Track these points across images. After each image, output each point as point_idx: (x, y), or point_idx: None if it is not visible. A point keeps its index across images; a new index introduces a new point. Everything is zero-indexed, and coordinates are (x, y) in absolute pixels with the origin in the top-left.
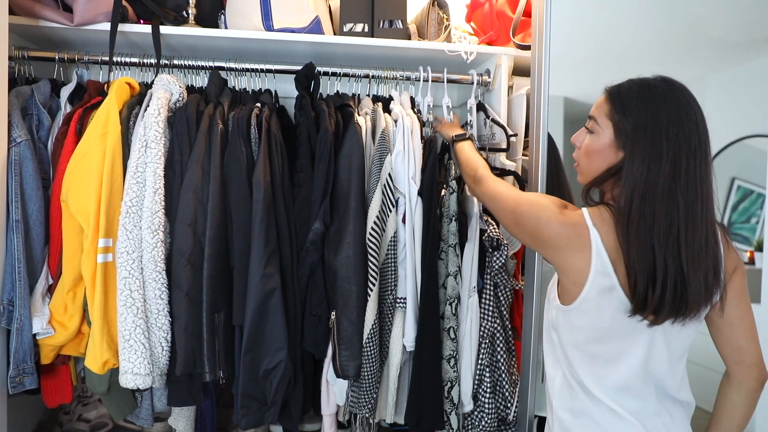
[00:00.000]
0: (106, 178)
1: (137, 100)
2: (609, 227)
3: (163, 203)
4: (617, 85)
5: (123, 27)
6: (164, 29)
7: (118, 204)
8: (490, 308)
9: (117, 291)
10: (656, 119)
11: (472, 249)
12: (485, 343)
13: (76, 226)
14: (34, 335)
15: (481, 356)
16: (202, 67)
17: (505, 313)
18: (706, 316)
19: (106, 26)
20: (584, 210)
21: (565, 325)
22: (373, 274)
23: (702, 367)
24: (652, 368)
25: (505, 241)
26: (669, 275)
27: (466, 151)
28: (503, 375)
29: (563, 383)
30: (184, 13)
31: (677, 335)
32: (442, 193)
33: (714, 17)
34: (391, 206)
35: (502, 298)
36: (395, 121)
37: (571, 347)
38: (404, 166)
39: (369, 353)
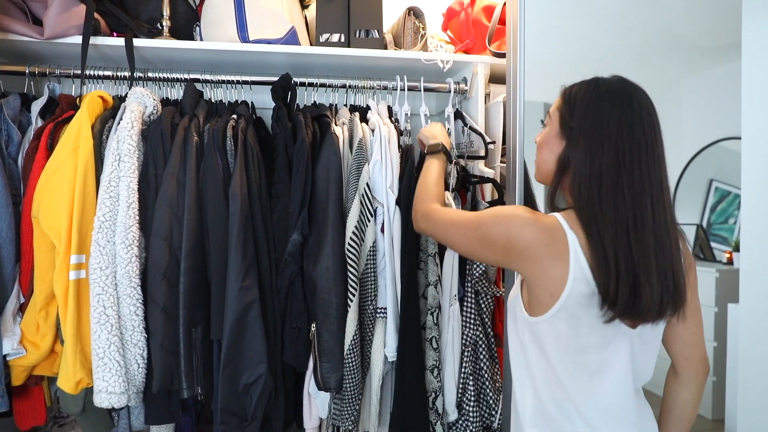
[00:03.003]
0: (78, 193)
1: (110, 113)
2: (582, 230)
3: (137, 217)
4: (573, 84)
5: (95, 40)
6: (138, 42)
7: (91, 219)
8: (472, 316)
9: (90, 308)
10: (598, 109)
11: (452, 257)
12: (468, 351)
13: (47, 242)
14: (5, 356)
15: (464, 364)
16: (177, 80)
17: (486, 320)
18: None
19: (78, 39)
20: (557, 214)
21: (543, 336)
22: (353, 284)
23: None
24: (635, 376)
25: None
26: (621, 268)
27: (427, 174)
28: (487, 383)
29: (535, 407)
30: (159, 25)
31: (653, 343)
32: None
33: (687, 23)
34: (369, 216)
35: (483, 305)
36: (372, 131)
37: (555, 357)
38: (382, 175)
39: (350, 365)
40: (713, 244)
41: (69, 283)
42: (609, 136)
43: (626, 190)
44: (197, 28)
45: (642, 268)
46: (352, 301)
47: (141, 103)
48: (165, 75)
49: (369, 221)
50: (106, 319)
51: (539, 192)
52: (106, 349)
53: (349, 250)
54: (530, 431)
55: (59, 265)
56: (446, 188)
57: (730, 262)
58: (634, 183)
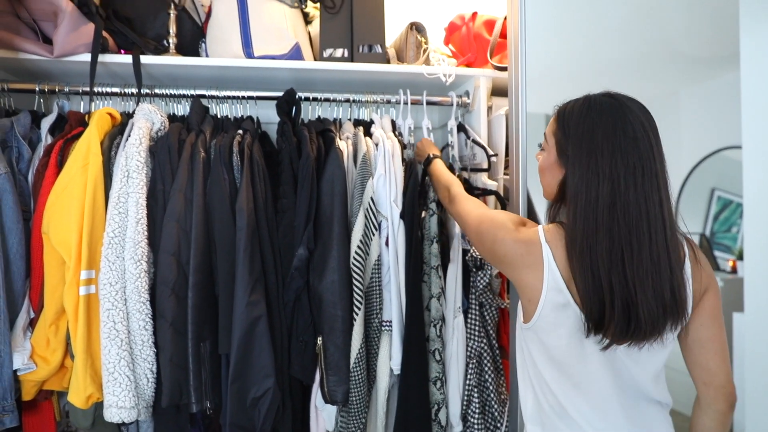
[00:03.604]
0: (88, 209)
1: (119, 130)
2: (562, 244)
3: (146, 233)
4: (565, 103)
5: (103, 57)
6: (145, 59)
7: (101, 235)
8: (477, 328)
9: (100, 323)
10: (592, 138)
11: (455, 270)
12: (472, 363)
13: (57, 258)
14: (15, 371)
15: (468, 377)
16: (184, 96)
17: (491, 332)
18: (678, 336)
19: (87, 57)
20: (540, 227)
21: (532, 343)
22: (359, 298)
23: (676, 371)
24: (629, 385)
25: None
26: (616, 296)
27: (439, 170)
28: (492, 395)
29: (535, 407)
30: (165, 42)
31: (647, 355)
32: (423, 216)
33: (686, 35)
34: (374, 230)
35: (488, 317)
36: (376, 145)
37: (542, 363)
38: (386, 189)
39: (356, 378)
40: (716, 253)
41: (79, 298)
42: (603, 165)
43: (621, 218)
44: (203, 44)
45: (639, 293)
46: (357, 314)
47: (149, 119)
48: (171, 91)
49: (374, 235)
50: (116, 334)
51: (538, 200)
52: (116, 364)
53: (354, 264)
54: (530, 428)
55: (69, 280)
56: None
57: (734, 270)
58: (629, 210)
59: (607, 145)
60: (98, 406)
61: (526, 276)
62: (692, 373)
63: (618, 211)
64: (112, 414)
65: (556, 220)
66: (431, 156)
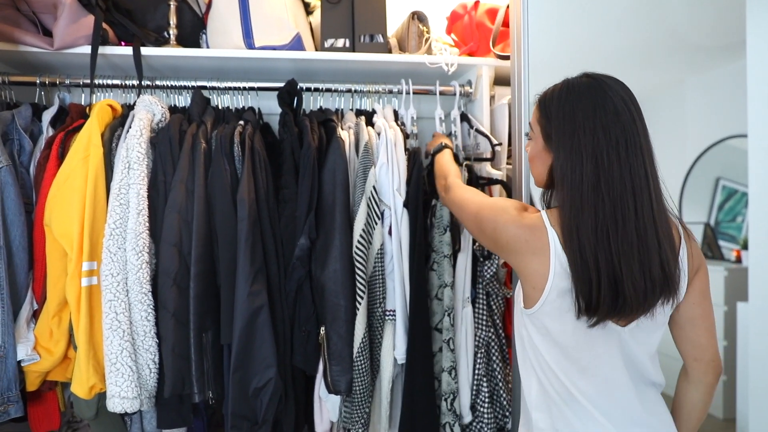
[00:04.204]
0: (89, 200)
1: (120, 121)
2: None
3: (147, 224)
4: (545, 90)
5: (104, 49)
6: (145, 50)
7: (102, 227)
8: (484, 317)
9: (102, 314)
10: (572, 118)
11: (465, 259)
12: (480, 352)
13: (59, 250)
14: (19, 362)
15: (477, 366)
16: (185, 87)
17: (498, 321)
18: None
19: (87, 49)
20: (543, 212)
21: (534, 329)
22: (361, 287)
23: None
24: (633, 367)
25: None
26: (602, 273)
27: (440, 161)
28: (500, 384)
29: (540, 393)
30: (165, 33)
31: (645, 335)
32: (433, 203)
33: (692, 23)
34: (376, 219)
35: (494, 306)
36: (378, 134)
37: (545, 350)
38: (388, 178)
39: (360, 368)
40: (721, 243)
41: (81, 289)
42: (586, 144)
43: (606, 194)
44: (203, 36)
45: (624, 268)
46: (360, 304)
47: (149, 111)
48: (172, 83)
49: (376, 224)
50: (118, 325)
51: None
52: (118, 355)
53: (356, 253)
54: (536, 415)
55: (71, 272)
56: None
57: (738, 260)
58: (614, 184)
59: (588, 123)
60: (102, 397)
61: (532, 262)
62: (682, 349)
63: (602, 187)
64: (114, 404)
65: (551, 204)
66: (443, 144)
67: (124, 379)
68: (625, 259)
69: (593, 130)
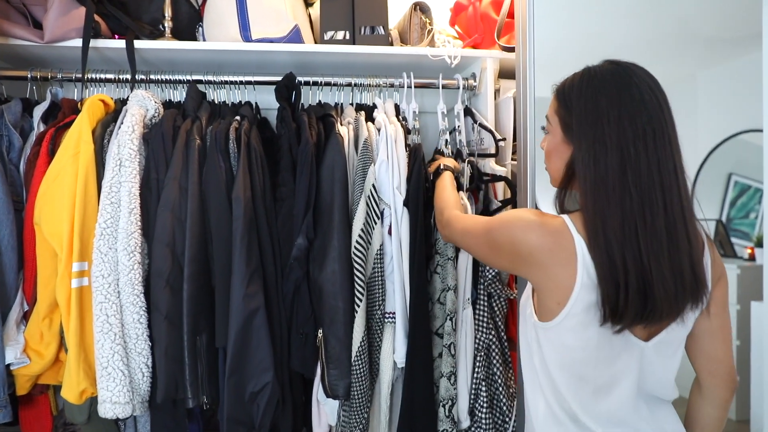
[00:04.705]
0: (80, 199)
1: (112, 117)
2: None
3: (139, 223)
4: (564, 80)
5: (96, 42)
6: (139, 43)
7: (93, 226)
8: (485, 319)
9: (93, 316)
10: (595, 106)
11: (466, 259)
12: (480, 356)
13: (50, 250)
14: (8, 365)
15: (476, 370)
16: (180, 81)
17: (500, 323)
18: None
19: (79, 42)
20: (564, 216)
21: (548, 344)
22: (360, 288)
23: None
24: (647, 388)
25: None
26: (630, 273)
27: (437, 188)
28: (500, 388)
29: (547, 413)
30: (161, 26)
31: (672, 349)
32: None
33: (703, 15)
34: (376, 218)
35: (496, 308)
36: (378, 130)
37: (556, 369)
38: (388, 175)
39: (358, 371)
40: (734, 240)
41: (71, 291)
42: (610, 133)
43: (633, 188)
44: (200, 28)
45: (654, 267)
46: (359, 306)
47: (142, 106)
48: (167, 77)
49: (376, 223)
50: (109, 327)
51: (540, 193)
52: (109, 359)
53: (355, 254)
54: None
55: (61, 272)
56: (459, 188)
57: (752, 258)
58: (641, 177)
59: (612, 111)
60: (94, 401)
61: (557, 274)
62: (697, 363)
63: (629, 180)
64: (106, 409)
65: (565, 208)
66: (441, 167)
67: (116, 383)
68: (654, 258)
69: (618, 118)
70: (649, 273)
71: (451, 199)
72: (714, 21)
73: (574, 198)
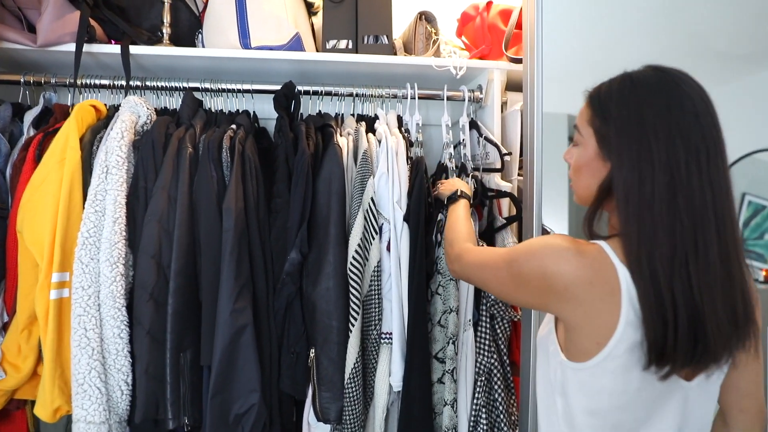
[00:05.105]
0: (63, 206)
1: (103, 123)
2: None
3: (124, 233)
4: (598, 86)
5: (91, 47)
6: (135, 49)
7: (76, 235)
8: (487, 342)
9: (71, 330)
10: (640, 118)
11: None
12: (481, 380)
13: (32, 259)
14: None
15: (476, 396)
16: (176, 89)
17: (502, 347)
18: None
19: (73, 47)
20: (602, 243)
21: (579, 387)
22: (355, 307)
23: None
24: (687, 430)
25: None
26: (679, 309)
27: (452, 216)
28: (501, 416)
29: None
30: (159, 33)
31: (715, 387)
32: (439, 219)
33: (716, 30)
34: (374, 233)
35: (499, 330)
36: (379, 141)
37: (585, 415)
38: (388, 189)
39: (351, 394)
40: (748, 262)
41: (50, 302)
42: (659, 150)
43: (684, 213)
44: (199, 35)
45: (707, 304)
46: (354, 325)
47: (134, 112)
48: (163, 84)
49: (374, 239)
50: (87, 342)
51: (547, 211)
52: (86, 375)
53: (351, 270)
54: None
55: (40, 283)
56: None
57: (766, 280)
58: (694, 201)
59: (661, 125)
60: (70, 419)
61: (597, 310)
62: (728, 398)
63: (680, 205)
64: (80, 429)
65: (594, 232)
66: (459, 192)
67: (92, 401)
68: (707, 293)
69: (668, 133)
70: (701, 309)
71: (464, 232)
72: (727, 36)
73: (604, 220)
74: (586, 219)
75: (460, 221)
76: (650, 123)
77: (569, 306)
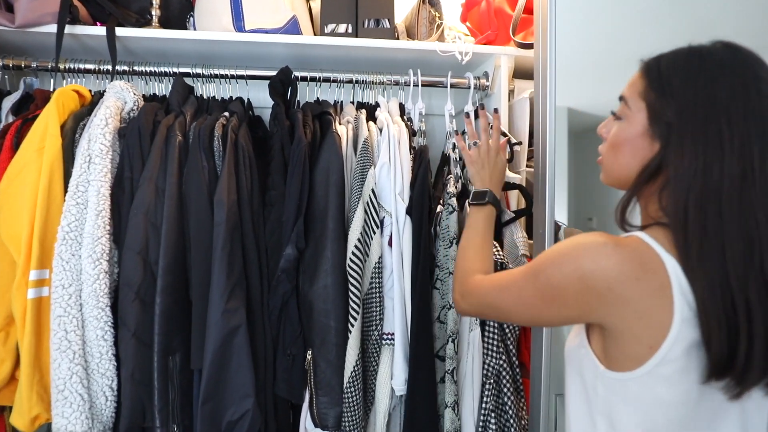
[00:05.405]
0: (42, 198)
1: (87, 110)
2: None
3: (108, 227)
4: (658, 56)
5: (74, 29)
6: (122, 31)
7: (56, 230)
8: (495, 343)
9: (50, 332)
10: (711, 97)
11: None
12: (490, 383)
13: (8, 255)
14: None
15: (485, 399)
16: (165, 74)
17: (511, 347)
18: None
19: (55, 28)
20: (640, 234)
21: (628, 402)
22: (355, 306)
23: None
24: None
25: (511, 265)
26: (755, 316)
27: (470, 231)
28: (511, 420)
29: None
30: (148, 15)
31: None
32: (438, 210)
33: (723, 23)
34: (375, 227)
35: (508, 331)
36: (380, 130)
37: None
38: (390, 180)
39: (351, 399)
40: None
41: (27, 302)
42: (731, 136)
43: (759, 207)
44: (191, 18)
45: None
46: (353, 325)
47: (120, 98)
48: (151, 68)
49: (374, 233)
50: (67, 345)
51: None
52: (67, 380)
53: (350, 267)
54: None
55: (17, 281)
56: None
57: None
58: None
59: (736, 108)
60: (50, 427)
61: (647, 308)
62: None
63: (753, 197)
64: None
65: (629, 225)
66: (487, 196)
67: (73, 409)
68: None
69: (744, 117)
70: None
71: (479, 259)
72: (734, 29)
73: (631, 213)
74: (620, 205)
75: (476, 242)
76: (722, 104)
77: (614, 309)
